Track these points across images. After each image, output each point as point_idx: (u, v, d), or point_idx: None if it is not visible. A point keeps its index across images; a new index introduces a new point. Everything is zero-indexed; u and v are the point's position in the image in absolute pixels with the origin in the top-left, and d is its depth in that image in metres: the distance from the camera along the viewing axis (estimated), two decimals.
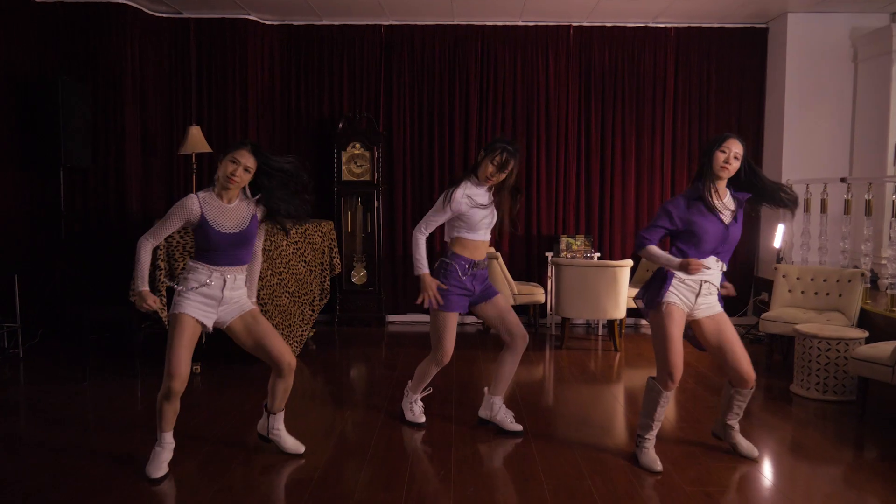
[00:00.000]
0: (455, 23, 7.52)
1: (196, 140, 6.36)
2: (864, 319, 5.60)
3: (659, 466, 3.62)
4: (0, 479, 3.49)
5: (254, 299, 3.66)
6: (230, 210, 3.42)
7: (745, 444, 3.86)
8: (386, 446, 4.02)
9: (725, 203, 3.56)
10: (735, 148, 3.48)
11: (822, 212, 6.42)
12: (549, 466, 3.72)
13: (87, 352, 5.38)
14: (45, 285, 6.42)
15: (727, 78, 7.59)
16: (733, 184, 3.60)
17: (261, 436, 3.89)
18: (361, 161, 7.43)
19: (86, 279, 6.53)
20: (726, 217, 3.53)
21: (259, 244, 3.66)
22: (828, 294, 5.83)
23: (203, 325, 3.45)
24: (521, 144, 7.61)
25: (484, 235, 4.06)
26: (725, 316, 3.70)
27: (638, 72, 7.59)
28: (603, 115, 7.64)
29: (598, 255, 7.43)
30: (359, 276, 7.56)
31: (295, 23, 7.53)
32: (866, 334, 4.97)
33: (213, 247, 3.39)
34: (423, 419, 4.35)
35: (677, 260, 3.45)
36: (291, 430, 3.97)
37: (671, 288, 3.54)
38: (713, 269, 3.57)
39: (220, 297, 3.42)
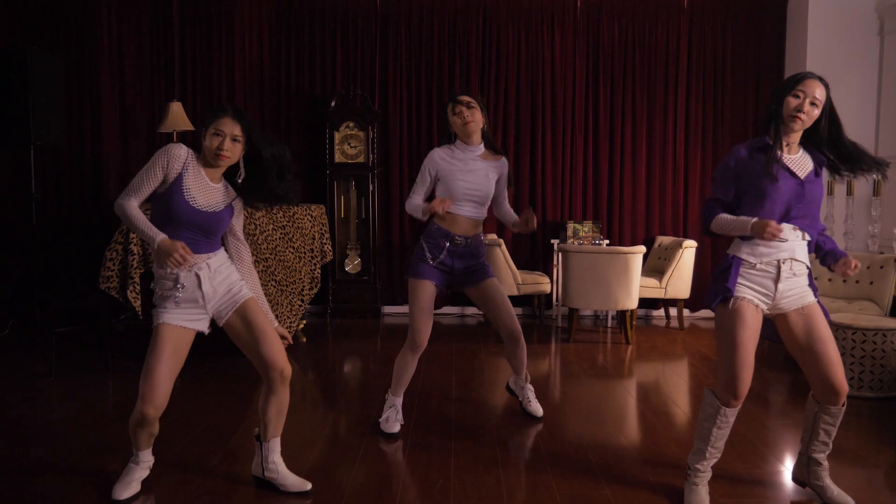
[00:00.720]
0: None
1: (177, 117, 5.94)
2: None
3: None
4: None
5: (259, 291, 3.02)
6: (210, 188, 2.86)
7: (836, 491, 2.97)
8: (378, 449, 3.59)
9: (797, 159, 2.81)
10: (815, 91, 2.71)
11: (849, 194, 6.02)
12: (560, 472, 3.29)
13: (51, 344, 4.94)
14: (15, 273, 5.99)
15: (744, 53, 7.16)
16: (811, 140, 2.84)
17: (256, 478, 3.13)
18: (355, 142, 7.00)
19: (59, 266, 6.11)
20: (801, 172, 2.78)
21: (239, 229, 3.03)
22: (857, 282, 5.41)
23: (196, 330, 2.89)
24: (525, 125, 7.20)
25: (467, 210, 3.63)
26: (818, 308, 2.86)
27: (649, 47, 7.17)
28: (612, 93, 7.21)
29: (607, 241, 7.01)
30: (352, 264, 7.14)
31: None
32: None
33: (174, 219, 2.78)
34: (396, 429, 3.80)
35: (750, 220, 2.71)
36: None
37: (739, 278, 2.79)
38: (790, 241, 2.77)
39: (200, 297, 2.85)
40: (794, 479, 3.13)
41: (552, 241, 7.14)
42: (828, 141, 2.82)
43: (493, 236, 6.72)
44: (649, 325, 6.99)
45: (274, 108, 7.19)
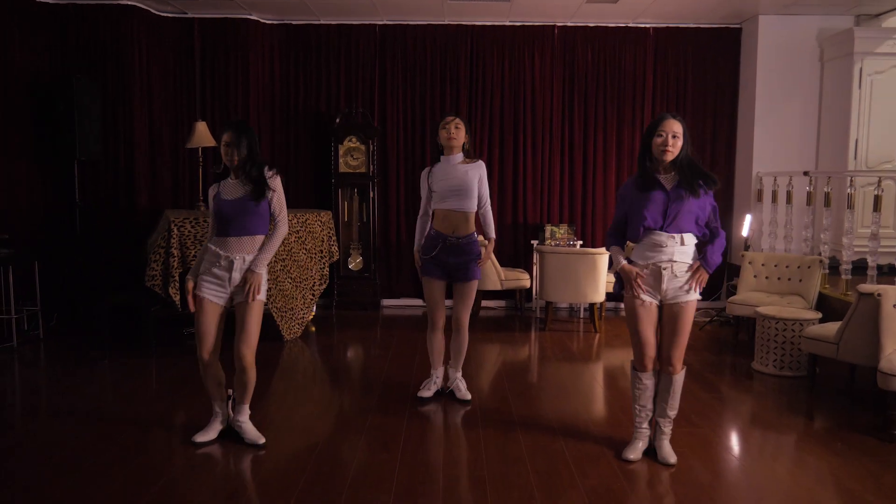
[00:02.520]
0: (446, 22, 7.92)
1: (202, 135, 6.76)
2: (823, 303, 6.08)
3: (630, 455, 3.76)
4: (47, 443, 3.95)
5: (263, 269, 3.79)
6: (235, 185, 3.82)
7: (666, 449, 3.80)
8: (379, 424, 4.48)
9: (669, 178, 3.54)
10: (673, 127, 3.45)
11: (788, 203, 6.90)
12: (527, 430, 4.20)
13: (105, 332, 5.82)
14: (62, 272, 6.84)
15: (703, 75, 8.03)
16: (676, 163, 3.52)
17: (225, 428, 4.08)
18: (357, 154, 7.85)
19: (99, 267, 6.96)
20: (668, 185, 3.50)
21: (280, 215, 3.86)
22: (789, 279, 6.31)
23: (220, 305, 3.84)
24: (509, 138, 8.05)
25: (452, 203, 4.49)
26: (691, 307, 3.62)
27: (619, 69, 8.02)
28: (586, 110, 8.07)
29: (581, 242, 7.88)
30: (355, 262, 8.00)
31: (294, 22, 7.92)
32: (819, 315, 5.46)
33: (218, 216, 3.79)
34: (426, 394, 4.77)
35: (619, 264, 3.64)
36: (291, 408, 4.42)
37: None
38: (668, 246, 3.52)
39: (229, 278, 3.79)
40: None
41: (532, 241, 8.02)
42: (683, 160, 3.53)
43: (481, 237, 7.57)
44: (618, 315, 7.88)
45: (284, 124, 8.04)
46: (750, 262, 6.51)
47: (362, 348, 6.50)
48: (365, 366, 5.95)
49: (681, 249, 3.56)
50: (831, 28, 7.48)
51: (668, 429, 3.83)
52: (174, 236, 5.64)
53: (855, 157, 7.09)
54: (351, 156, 7.86)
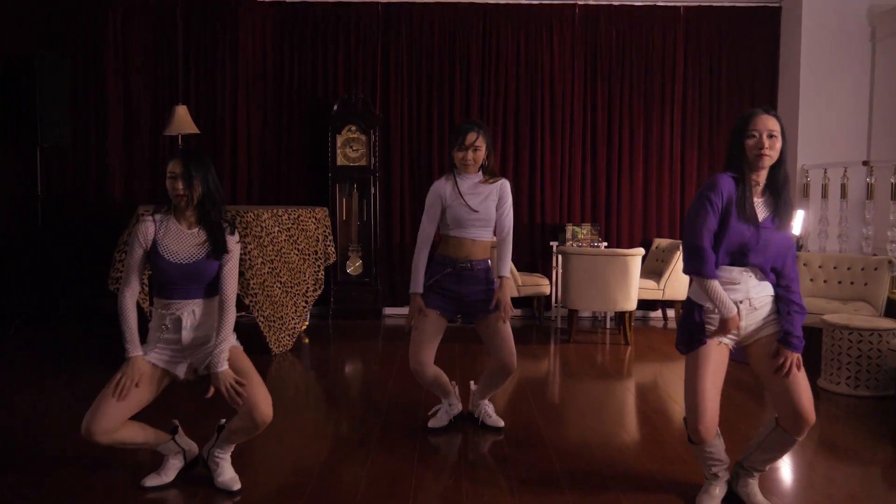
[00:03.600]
0: (455, 0, 7.18)
1: (182, 120, 6.02)
2: (892, 310, 5.33)
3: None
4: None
5: (224, 362, 2.91)
6: (185, 235, 2.95)
7: (760, 497, 2.97)
8: (384, 447, 3.67)
9: (761, 203, 2.79)
10: (768, 124, 2.71)
11: (842, 197, 6.15)
12: (567, 470, 3.39)
13: (63, 340, 5.02)
14: (21, 272, 6.06)
15: (739, 59, 7.30)
16: (772, 183, 2.79)
17: (199, 456, 3.21)
18: (357, 145, 7.09)
19: (63, 266, 6.18)
20: (760, 216, 2.76)
21: (228, 289, 2.99)
22: (852, 283, 5.53)
23: (169, 373, 3.00)
24: (525, 128, 7.30)
25: (471, 233, 3.67)
26: (776, 339, 2.82)
27: (646, 53, 7.29)
28: (610, 97, 7.33)
29: (606, 244, 7.13)
30: (354, 266, 7.22)
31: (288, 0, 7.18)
32: None
33: (157, 275, 2.94)
34: (433, 424, 3.92)
35: (729, 310, 2.73)
36: (282, 430, 3.63)
37: (706, 325, 2.82)
38: (742, 283, 2.79)
39: (179, 339, 2.95)
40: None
41: (551, 243, 7.25)
42: (781, 177, 2.78)
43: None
44: (647, 326, 7.10)
45: (277, 110, 7.27)
46: (805, 264, 5.73)
47: (363, 363, 5.71)
48: (366, 384, 5.16)
49: (757, 286, 2.80)
50: (883, 4, 6.74)
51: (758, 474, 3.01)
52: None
53: None
54: (350, 147, 7.09)
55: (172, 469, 3.13)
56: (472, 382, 4.13)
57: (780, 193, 2.77)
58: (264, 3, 7.16)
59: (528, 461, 3.49)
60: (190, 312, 2.95)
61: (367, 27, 7.23)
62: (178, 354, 2.99)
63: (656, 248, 7.15)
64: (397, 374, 5.09)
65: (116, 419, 2.86)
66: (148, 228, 2.95)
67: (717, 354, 2.81)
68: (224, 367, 2.90)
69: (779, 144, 2.72)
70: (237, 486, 3.08)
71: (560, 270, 6.52)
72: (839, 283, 5.59)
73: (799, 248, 6.48)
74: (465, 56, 7.24)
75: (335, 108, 7.02)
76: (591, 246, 6.89)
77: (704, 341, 2.80)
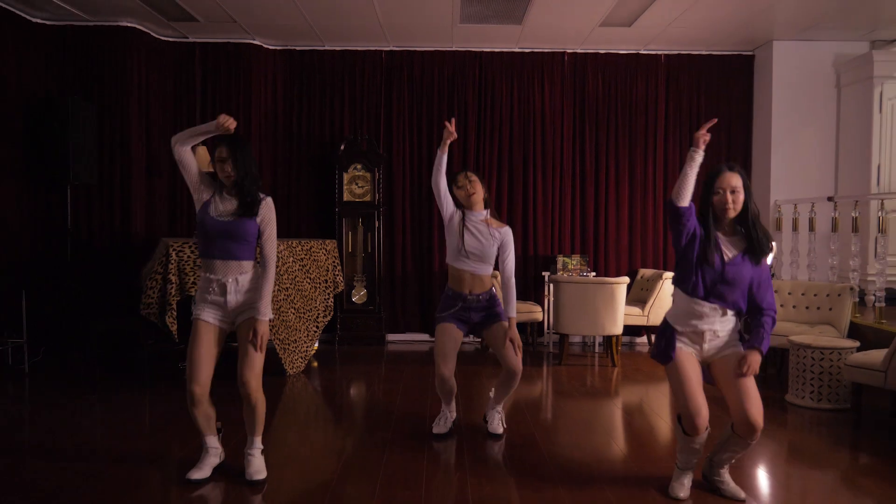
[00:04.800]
0: (454, 49, 7.75)
1: (203, 160, 6.48)
2: (854, 332, 5.79)
3: (681, 493, 3.41)
4: (26, 483, 3.56)
5: (268, 313, 3.48)
6: (228, 201, 3.50)
7: (731, 485, 3.45)
8: (388, 463, 4.10)
9: (731, 241, 3.27)
10: (731, 181, 3.18)
11: (811, 230, 6.66)
12: (566, 479, 3.84)
13: (95, 365, 5.44)
14: (51, 302, 6.48)
15: (716, 103, 7.86)
16: (742, 220, 3.27)
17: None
18: (362, 182, 7.59)
19: (91, 296, 6.60)
20: (727, 253, 3.22)
21: (268, 250, 3.53)
22: (819, 308, 6.02)
23: (220, 328, 3.53)
24: (518, 166, 7.81)
25: (469, 266, 4.15)
26: (737, 357, 3.29)
27: (630, 97, 7.85)
28: (597, 138, 7.87)
29: (594, 273, 7.60)
30: (359, 295, 7.67)
31: (298, 48, 7.73)
32: (857, 344, 5.14)
33: (201, 228, 3.47)
34: (438, 430, 4.40)
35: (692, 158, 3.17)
36: (298, 446, 4.03)
37: (676, 342, 3.34)
38: (709, 316, 3.26)
39: (224, 302, 3.48)
40: (704, 476, 3.55)
41: (543, 273, 7.72)
42: (751, 218, 3.24)
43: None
44: (633, 350, 7.55)
45: (287, 151, 7.78)
46: (777, 291, 6.22)
47: (371, 384, 6.12)
48: (369, 404, 5.57)
49: (722, 320, 3.29)
50: (847, 54, 7.34)
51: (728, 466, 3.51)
52: (172, 261, 5.31)
53: (878, 183, 6.88)
54: (356, 184, 7.60)
55: (209, 466, 3.58)
56: (491, 392, 4.55)
57: (753, 230, 3.24)
58: (275, 50, 7.71)
59: (525, 463, 3.94)
60: (233, 280, 3.47)
61: (371, 73, 7.78)
62: (222, 314, 3.50)
63: (641, 277, 7.63)
64: (403, 393, 5.52)
65: (207, 369, 3.45)
66: (204, 194, 3.51)
67: (689, 359, 3.33)
68: (268, 317, 3.46)
69: (742, 197, 3.21)
70: (262, 475, 3.58)
71: (552, 298, 6.98)
72: (807, 308, 6.08)
73: (771, 276, 6.98)
74: (462, 100, 7.79)
75: (342, 148, 7.54)
76: (580, 275, 7.36)
77: (673, 353, 3.32)
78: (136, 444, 4.18)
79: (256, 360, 3.48)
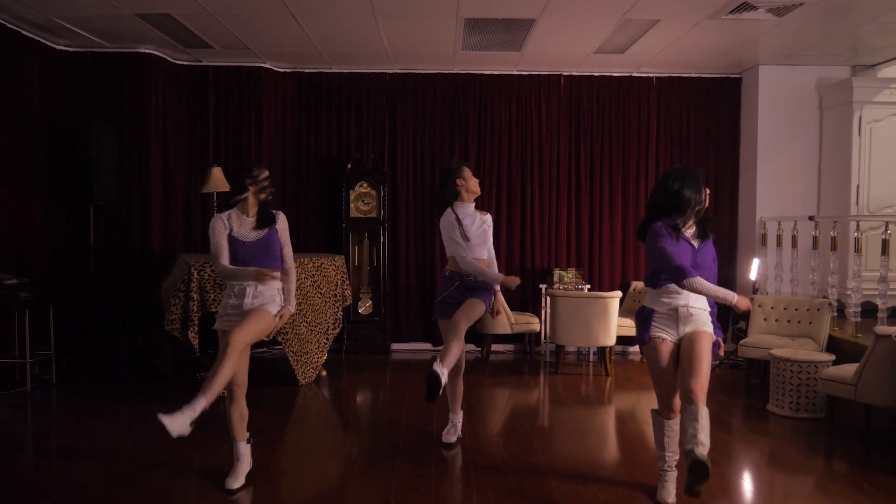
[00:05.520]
0: (455, 71, 8.12)
1: (217, 180, 6.85)
2: (833, 345, 6.16)
3: (669, 499, 3.74)
4: (65, 487, 3.92)
5: (291, 305, 3.99)
6: (247, 222, 3.93)
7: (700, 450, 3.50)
8: (391, 466, 4.47)
9: (694, 233, 3.72)
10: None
11: (794, 247, 7.02)
12: (558, 476, 4.21)
13: (121, 376, 5.80)
14: (76, 316, 6.84)
15: (705, 123, 8.23)
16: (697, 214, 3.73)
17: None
18: (368, 199, 7.95)
19: (113, 310, 6.96)
20: (695, 242, 3.68)
21: (288, 257, 4.02)
22: (799, 322, 6.39)
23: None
24: (516, 183, 8.18)
25: (478, 252, 4.56)
26: (707, 335, 3.67)
27: (623, 116, 8.22)
28: (591, 156, 8.24)
29: (589, 286, 7.96)
30: (365, 306, 8.03)
31: (306, 70, 8.09)
32: (833, 358, 5.53)
33: (234, 256, 3.87)
34: (451, 439, 4.78)
35: (732, 296, 3.52)
36: (310, 451, 4.40)
37: (653, 324, 3.71)
38: (683, 294, 3.64)
39: (242, 305, 3.85)
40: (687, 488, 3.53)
41: (540, 286, 8.09)
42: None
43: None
44: (626, 359, 7.92)
45: (296, 170, 8.15)
46: (759, 306, 6.60)
47: (378, 392, 6.49)
48: (383, 409, 5.93)
49: (693, 296, 3.66)
50: (829, 78, 7.71)
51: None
52: (194, 280, 5.67)
53: (857, 202, 7.26)
54: (362, 201, 7.96)
55: (243, 474, 3.95)
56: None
57: (704, 220, 3.73)
58: (285, 73, 8.07)
59: (524, 466, 4.31)
60: (253, 285, 3.86)
61: (376, 95, 8.14)
62: (237, 316, 3.84)
63: (633, 289, 8.01)
64: (409, 401, 5.88)
65: (242, 372, 3.87)
66: (222, 219, 3.90)
67: (665, 347, 3.70)
68: (293, 308, 4.00)
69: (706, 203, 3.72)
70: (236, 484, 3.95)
71: (548, 310, 7.34)
72: (788, 322, 6.46)
73: (754, 291, 7.37)
74: (463, 120, 8.16)
75: (348, 166, 7.91)
76: (575, 288, 7.73)
77: (651, 337, 3.71)
78: (163, 451, 4.54)
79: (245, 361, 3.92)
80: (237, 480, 3.92)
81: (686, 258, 3.60)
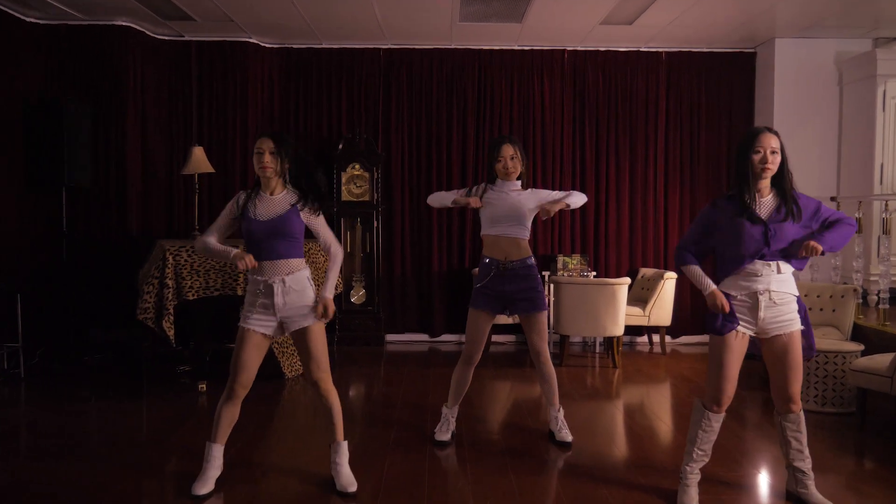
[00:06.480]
0: (453, 47, 7.68)
1: (199, 160, 6.42)
2: (857, 334, 5.74)
3: None
4: (24, 487, 3.50)
5: (327, 290, 3.48)
6: (270, 200, 3.48)
7: (819, 498, 3.38)
8: (390, 464, 4.06)
9: (766, 202, 3.25)
10: (771, 142, 3.18)
11: None
12: (563, 476, 3.79)
13: (92, 369, 5.38)
14: (47, 305, 6.41)
15: (717, 101, 7.80)
16: (778, 184, 3.26)
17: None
18: (361, 182, 7.52)
19: (88, 300, 6.53)
20: (765, 214, 3.22)
21: (328, 238, 3.57)
22: (821, 309, 5.97)
23: (265, 335, 3.49)
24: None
25: (500, 230, 4.14)
26: (797, 337, 3.29)
27: (631, 94, 7.78)
28: (597, 136, 7.81)
29: (594, 273, 7.55)
30: (357, 295, 7.62)
31: (295, 46, 7.65)
32: (862, 347, 5.10)
33: (247, 236, 3.45)
34: (446, 437, 4.35)
35: (707, 288, 3.29)
36: (298, 449, 4.00)
37: (736, 312, 3.28)
38: (764, 275, 3.21)
39: (272, 305, 3.43)
40: (788, 493, 3.51)
41: (543, 272, 7.65)
42: (786, 181, 3.25)
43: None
44: (634, 350, 7.51)
45: None
46: None
47: (369, 386, 6.08)
48: (369, 405, 5.53)
49: (777, 278, 3.24)
50: (849, 52, 7.28)
51: (812, 474, 3.46)
52: (169, 265, 5.25)
53: (881, 182, 6.83)
54: (354, 184, 7.53)
55: (212, 479, 3.52)
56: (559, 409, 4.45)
57: (784, 188, 3.25)
58: (272, 49, 7.63)
59: (526, 468, 3.89)
60: (280, 281, 3.42)
61: (369, 71, 7.70)
62: (270, 317, 3.46)
63: (642, 276, 7.58)
64: (403, 396, 5.47)
65: (250, 374, 3.47)
66: (240, 197, 3.54)
67: (739, 342, 3.29)
68: (330, 295, 3.48)
69: (779, 159, 3.22)
70: (353, 487, 3.53)
71: (552, 298, 6.93)
72: (810, 309, 6.02)
73: None
74: (462, 98, 7.72)
75: (340, 147, 7.47)
76: (580, 275, 7.31)
77: (735, 328, 3.27)
78: (134, 452, 4.13)
79: (323, 359, 3.53)
80: (206, 486, 3.49)
81: (754, 239, 3.21)
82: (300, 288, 3.48)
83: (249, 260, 3.35)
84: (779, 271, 3.23)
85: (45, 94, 6.60)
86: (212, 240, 3.50)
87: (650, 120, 7.80)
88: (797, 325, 3.29)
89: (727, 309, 3.23)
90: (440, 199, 4.29)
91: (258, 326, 3.45)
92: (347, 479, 3.56)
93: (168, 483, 3.71)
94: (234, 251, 3.41)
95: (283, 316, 3.46)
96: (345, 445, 3.63)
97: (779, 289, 3.23)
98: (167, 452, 4.15)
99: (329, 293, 3.48)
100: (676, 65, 7.79)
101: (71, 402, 5.23)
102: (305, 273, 3.51)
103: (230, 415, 3.52)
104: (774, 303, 3.24)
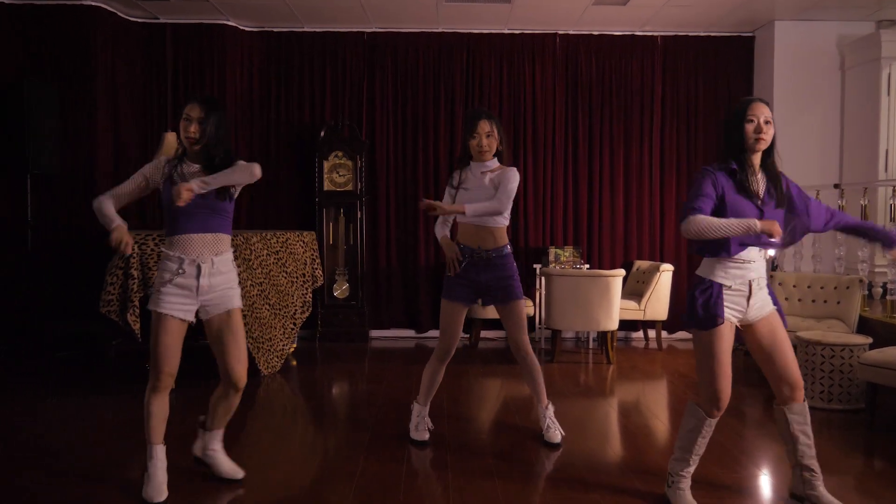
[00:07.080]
0: (440, 30, 7.37)
1: (171, 146, 6.04)
2: (863, 326, 5.48)
3: None
4: None
5: (200, 188, 2.98)
6: (200, 172, 3.15)
7: (829, 499, 3.07)
8: (373, 469, 3.75)
9: (758, 181, 2.96)
10: (764, 112, 2.90)
11: None
12: (551, 481, 3.49)
13: (51, 366, 5.06)
14: (11, 298, 6.08)
15: (714, 86, 7.51)
16: (766, 160, 2.98)
17: (196, 459, 3.47)
18: (344, 171, 7.21)
19: (54, 292, 6.21)
20: (759, 191, 2.94)
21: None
22: (825, 301, 5.70)
23: (183, 321, 3.16)
24: (508, 152, 7.44)
25: (473, 218, 3.81)
26: (777, 316, 3.06)
27: (625, 80, 7.49)
28: (590, 123, 7.51)
29: (588, 265, 7.25)
30: (341, 289, 7.30)
31: (275, 29, 7.33)
32: (870, 340, 4.81)
33: (175, 208, 3.04)
34: (425, 436, 4.05)
35: (752, 221, 2.76)
36: (273, 451, 3.71)
37: (725, 301, 2.96)
38: (757, 262, 2.97)
39: (197, 287, 3.11)
40: (792, 496, 3.19)
41: (534, 265, 7.36)
42: (771, 161, 2.99)
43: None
44: (629, 345, 7.21)
45: (264, 137, 7.39)
46: (780, 284, 5.89)
47: (352, 384, 5.77)
48: (352, 404, 5.23)
49: (762, 265, 3.03)
50: (851, 34, 7.01)
51: (820, 473, 3.13)
52: (134, 255, 4.93)
53: (886, 169, 6.55)
54: (336, 172, 7.22)
55: (164, 482, 3.20)
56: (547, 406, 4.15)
57: (770, 168, 2.97)
58: (251, 32, 7.31)
59: (514, 472, 3.59)
60: (209, 261, 3.13)
61: (352, 56, 7.39)
62: (190, 300, 3.14)
63: (637, 269, 7.29)
64: (386, 393, 5.17)
65: (174, 361, 3.14)
66: (159, 163, 3.22)
67: (729, 333, 2.99)
68: (195, 187, 2.96)
69: (772, 131, 2.92)
70: (241, 474, 3.34)
71: (543, 292, 6.64)
72: (813, 301, 5.75)
73: (773, 268, 6.65)
74: (449, 84, 7.41)
75: (322, 134, 7.16)
76: (573, 268, 7.01)
77: (721, 321, 2.93)
78: (92, 453, 3.81)
79: (244, 350, 3.27)
80: (159, 491, 3.16)
81: (745, 215, 2.92)
82: (226, 270, 3.21)
83: (127, 248, 3.03)
84: (766, 257, 3.05)
85: (9, 77, 6.26)
86: (109, 203, 3.16)
87: (645, 106, 7.50)
88: (771, 306, 3.07)
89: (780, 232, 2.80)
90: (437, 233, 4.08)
91: (176, 311, 3.12)
92: (230, 466, 3.42)
93: (130, 490, 3.38)
94: (115, 223, 3.05)
95: (205, 299, 3.16)
96: (221, 434, 3.44)
97: (761, 274, 3.02)
98: (125, 455, 3.82)
99: (200, 188, 2.98)
100: (672, 49, 7.50)
101: (28, 401, 4.90)
102: (230, 255, 3.23)
103: (161, 410, 3.19)
104: (761, 287, 3.01)
